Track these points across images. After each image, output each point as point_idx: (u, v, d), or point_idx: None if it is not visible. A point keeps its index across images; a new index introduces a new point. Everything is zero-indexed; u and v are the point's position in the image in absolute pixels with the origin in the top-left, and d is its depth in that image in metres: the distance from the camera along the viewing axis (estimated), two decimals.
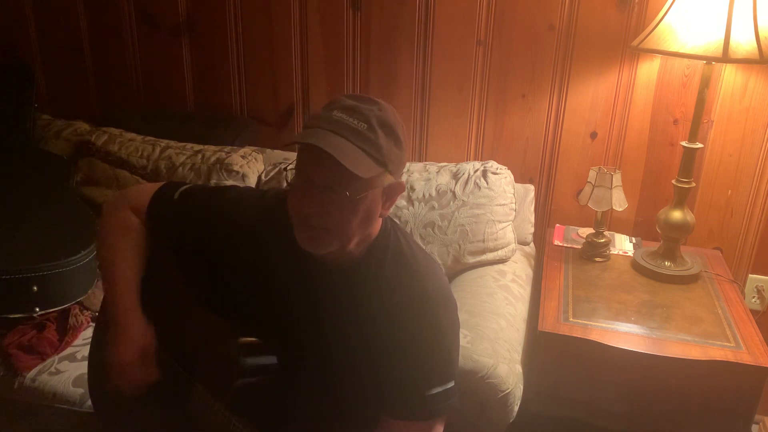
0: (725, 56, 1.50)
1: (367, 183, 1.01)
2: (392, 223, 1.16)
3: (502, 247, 1.85)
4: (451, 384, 1.10)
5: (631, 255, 1.88)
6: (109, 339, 1.20)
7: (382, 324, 1.09)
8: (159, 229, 1.26)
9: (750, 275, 2.00)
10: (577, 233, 1.99)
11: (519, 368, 1.48)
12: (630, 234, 2.03)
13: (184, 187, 1.26)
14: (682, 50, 1.55)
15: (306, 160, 1.01)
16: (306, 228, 1.03)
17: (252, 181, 2.02)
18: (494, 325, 1.54)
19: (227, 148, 2.07)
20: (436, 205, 1.85)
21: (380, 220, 1.11)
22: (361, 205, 1.02)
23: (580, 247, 1.91)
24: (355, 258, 1.11)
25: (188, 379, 1.17)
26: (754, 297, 2.01)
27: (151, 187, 1.29)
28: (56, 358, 1.64)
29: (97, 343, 1.37)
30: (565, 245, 1.95)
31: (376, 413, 1.11)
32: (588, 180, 1.82)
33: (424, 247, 1.79)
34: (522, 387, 1.47)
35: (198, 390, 1.15)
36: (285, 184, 1.94)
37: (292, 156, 2.14)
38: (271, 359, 1.14)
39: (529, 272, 1.91)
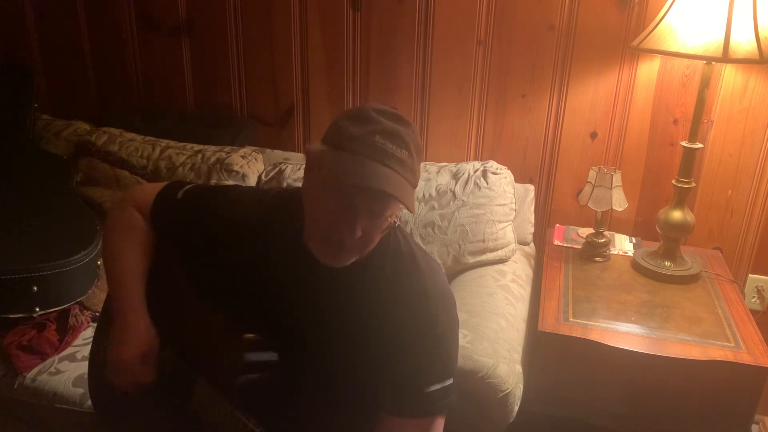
0: (725, 56, 1.50)
1: (400, 205, 1.01)
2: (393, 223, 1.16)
3: (502, 247, 1.85)
4: (450, 381, 1.10)
5: (631, 255, 1.88)
6: (112, 337, 1.21)
7: (382, 322, 1.09)
8: (163, 228, 1.27)
9: (750, 275, 2.00)
10: (577, 233, 1.99)
11: (519, 368, 1.48)
12: (630, 234, 2.03)
13: (187, 186, 1.27)
14: (682, 50, 1.55)
15: (349, 188, 0.97)
16: (336, 248, 1.02)
17: (252, 181, 2.02)
18: (494, 325, 1.54)
19: (227, 148, 2.07)
20: (436, 205, 1.85)
21: None
22: (387, 222, 1.03)
23: (580, 247, 1.91)
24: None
25: (192, 375, 1.18)
26: (754, 297, 2.01)
27: (155, 187, 1.30)
28: (56, 358, 1.64)
29: (97, 343, 1.37)
30: (565, 245, 1.95)
31: (375, 410, 1.12)
32: (588, 180, 1.82)
33: (423, 246, 1.79)
34: (522, 387, 1.47)
35: (201, 385, 1.15)
36: (285, 184, 1.95)
37: (293, 156, 2.14)
38: (272, 356, 1.14)
39: (529, 272, 1.91)
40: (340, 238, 1.00)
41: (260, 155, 2.09)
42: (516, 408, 1.45)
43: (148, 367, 1.19)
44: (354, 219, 0.99)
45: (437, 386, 1.08)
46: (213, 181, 1.98)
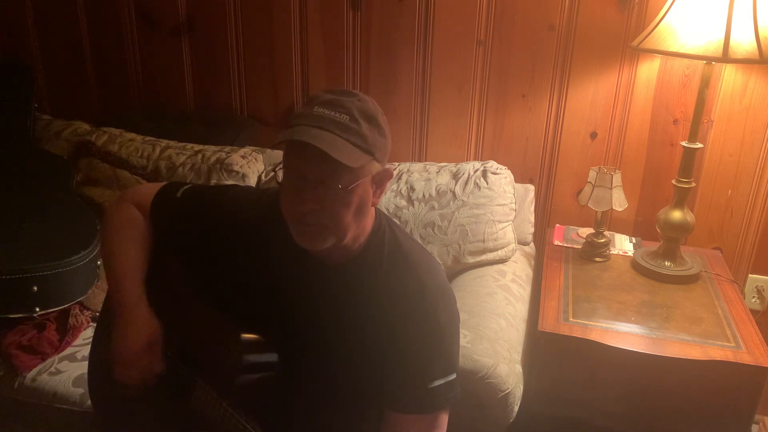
0: (725, 56, 1.50)
1: (357, 173, 1.01)
2: (386, 218, 1.17)
3: (502, 247, 1.85)
4: (453, 376, 1.11)
5: (631, 255, 1.88)
6: (115, 332, 1.20)
7: (381, 319, 1.09)
8: (161, 228, 1.27)
9: (750, 275, 2.00)
10: (577, 233, 1.99)
11: (519, 368, 1.48)
12: (630, 234, 2.03)
13: (186, 186, 1.28)
14: (682, 50, 1.55)
15: (294, 158, 1.02)
16: (302, 225, 1.04)
17: (252, 181, 2.02)
18: (494, 325, 1.54)
19: (227, 148, 2.07)
20: (436, 205, 1.85)
21: (373, 211, 1.13)
22: (353, 196, 1.02)
23: (580, 247, 1.91)
24: (353, 254, 1.11)
25: (190, 375, 1.18)
26: (754, 297, 2.01)
27: (154, 187, 1.30)
28: (56, 358, 1.64)
29: (97, 343, 1.37)
30: (565, 245, 1.95)
31: (376, 410, 1.12)
32: (588, 180, 1.82)
33: (424, 246, 1.79)
34: (522, 387, 1.47)
35: (200, 386, 1.15)
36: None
37: None
38: (271, 356, 1.14)
39: (529, 272, 1.91)
40: (300, 211, 1.02)
41: (260, 155, 2.09)
42: (516, 408, 1.45)
43: (155, 357, 1.18)
44: (303, 188, 1.01)
45: (441, 381, 1.08)
46: (213, 181, 1.98)
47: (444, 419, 1.11)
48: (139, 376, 1.18)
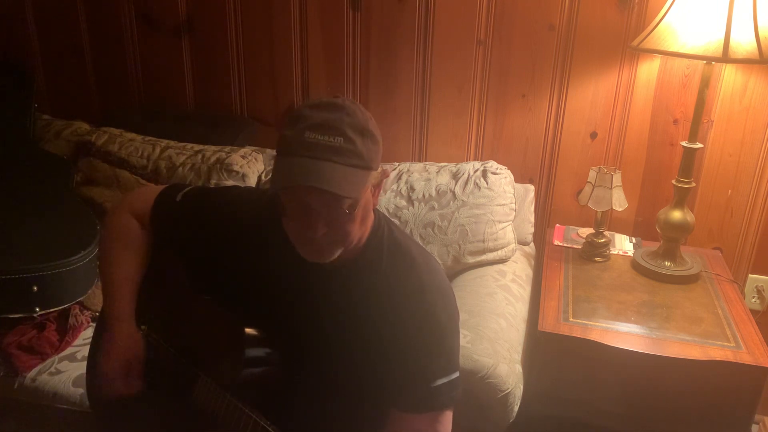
0: (725, 56, 1.50)
1: (360, 192, 1.01)
2: (384, 218, 1.17)
3: (502, 247, 1.85)
4: (456, 375, 1.11)
5: (631, 255, 1.88)
6: (102, 347, 1.23)
7: (382, 319, 1.09)
8: (163, 231, 1.28)
9: (750, 275, 2.00)
10: (577, 233, 1.99)
11: (519, 368, 1.48)
12: (630, 234, 2.03)
13: (186, 189, 1.28)
14: (682, 50, 1.55)
15: (296, 187, 0.98)
16: (309, 245, 1.04)
17: (252, 181, 2.02)
18: (494, 325, 1.54)
19: (227, 148, 2.07)
20: (436, 205, 1.85)
21: (372, 211, 1.13)
22: (358, 211, 1.02)
23: (580, 247, 1.91)
24: (353, 254, 1.11)
25: (192, 371, 1.18)
26: (754, 297, 2.01)
27: (152, 191, 1.30)
28: (56, 358, 1.65)
29: (96, 344, 1.37)
30: (565, 245, 1.95)
31: (378, 408, 1.12)
32: (588, 180, 1.82)
33: (424, 246, 1.79)
34: (522, 387, 1.47)
35: (202, 381, 1.16)
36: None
37: None
38: (274, 351, 1.15)
39: (529, 272, 1.91)
40: (307, 236, 1.01)
41: (260, 155, 2.09)
42: (516, 408, 1.45)
43: (131, 380, 1.20)
44: (311, 217, 0.99)
45: (444, 380, 1.08)
46: (213, 181, 1.98)
47: (448, 417, 1.11)
48: (114, 395, 1.21)
